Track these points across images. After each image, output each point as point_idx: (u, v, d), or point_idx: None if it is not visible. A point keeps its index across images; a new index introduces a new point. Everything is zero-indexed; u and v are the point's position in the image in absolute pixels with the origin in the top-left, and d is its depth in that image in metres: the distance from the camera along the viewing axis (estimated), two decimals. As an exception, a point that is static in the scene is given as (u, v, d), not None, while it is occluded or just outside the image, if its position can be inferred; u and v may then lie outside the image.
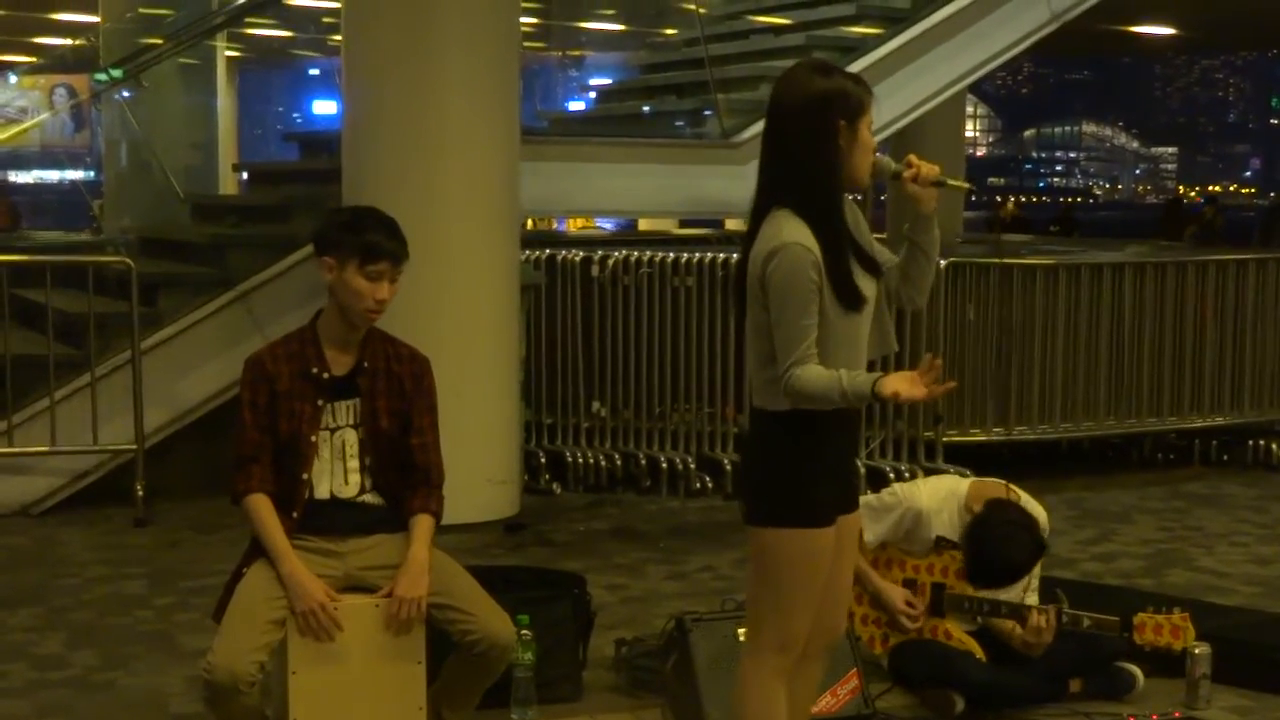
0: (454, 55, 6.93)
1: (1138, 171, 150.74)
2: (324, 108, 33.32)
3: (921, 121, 9.70)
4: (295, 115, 41.97)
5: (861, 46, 9.40)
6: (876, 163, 3.43)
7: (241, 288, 7.81)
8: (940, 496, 4.81)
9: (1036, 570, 4.91)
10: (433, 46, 6.90)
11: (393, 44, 6.95)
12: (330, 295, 4.02)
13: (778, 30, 10.46)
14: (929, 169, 3.42)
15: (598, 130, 10.17)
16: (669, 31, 12.50)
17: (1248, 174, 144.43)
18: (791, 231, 3.31)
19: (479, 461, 6.90)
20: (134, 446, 7.43)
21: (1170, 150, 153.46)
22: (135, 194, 11.06)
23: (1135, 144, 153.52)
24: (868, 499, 4.89)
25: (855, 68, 9.00)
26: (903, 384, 3.25)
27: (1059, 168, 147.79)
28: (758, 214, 3.42)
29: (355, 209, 4.26)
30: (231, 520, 7.10)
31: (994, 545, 4.58)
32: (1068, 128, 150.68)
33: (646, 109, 10.45)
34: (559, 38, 13.39)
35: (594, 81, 13.21)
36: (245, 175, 11.42)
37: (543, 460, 8.03)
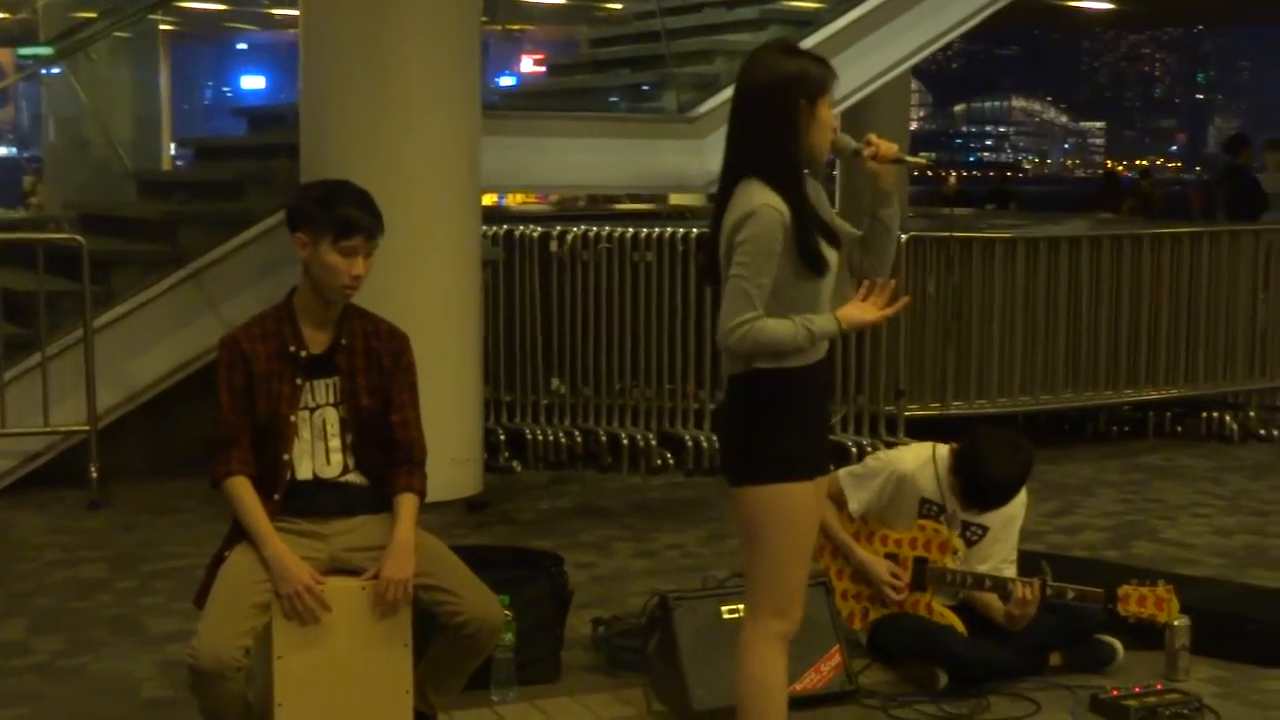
0: (414, 27, 6.82)
1: (1066, 146, 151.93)
2: (255, 83, 33.02)
3: (871, 96, 9.67)
4: (226, 90, 41.48)
5: (816, 20, 9.37)
6: (836, 141, 3.56)
7: (193, 266, 7.69)
8: (922, 460, 4.83)
9: (1015, 540, 4.92)
10: (393, 18, 6.79)
11: (352, 15, 6.83)
12: (304, 272, 3.93)
13: (731, 4, 10.40)
14: (888, 147, 3.56)
15: (549, 105, 10.08)
16: (615, 6, 12.43)
17: (1174, 148, 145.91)
18: (764, 196, 3.44)
19: (441, 440, 6.62)
20: (86, 427, 7.30)
21: (1098, 125, 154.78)
22: (77, 170, 10.85)
23: (1064, 119, 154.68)
24: (850, 468, 4.88)
25: (810, 42, 9.00)
26: (858, 311, 3.52)
27: (989, 142, 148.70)
28: (725, 186, 3.55)
29: (328, 183, 4.13)
30: (188, 502, 7.04)
31: (985, 460, 4.67)
32: (997, 103, 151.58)
33: (600, 83, 10.36)
34: (508, 11, 13.26)
35: (545, 55, 13.09)
36: (188, 151, 11.23)
37: (502, 438, 7.96)
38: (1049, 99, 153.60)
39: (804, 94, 3.44)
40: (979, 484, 4.70)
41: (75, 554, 6.36)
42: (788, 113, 3.45)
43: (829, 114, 3.50)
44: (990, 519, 4.82)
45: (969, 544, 4.82)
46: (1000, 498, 4.76)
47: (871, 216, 3.62)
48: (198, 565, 5.76)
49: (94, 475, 7.20)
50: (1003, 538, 4.86)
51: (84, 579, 6.00)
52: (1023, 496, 4.89)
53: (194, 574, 5.65)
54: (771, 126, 3.46)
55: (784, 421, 3.51)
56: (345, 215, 3.87)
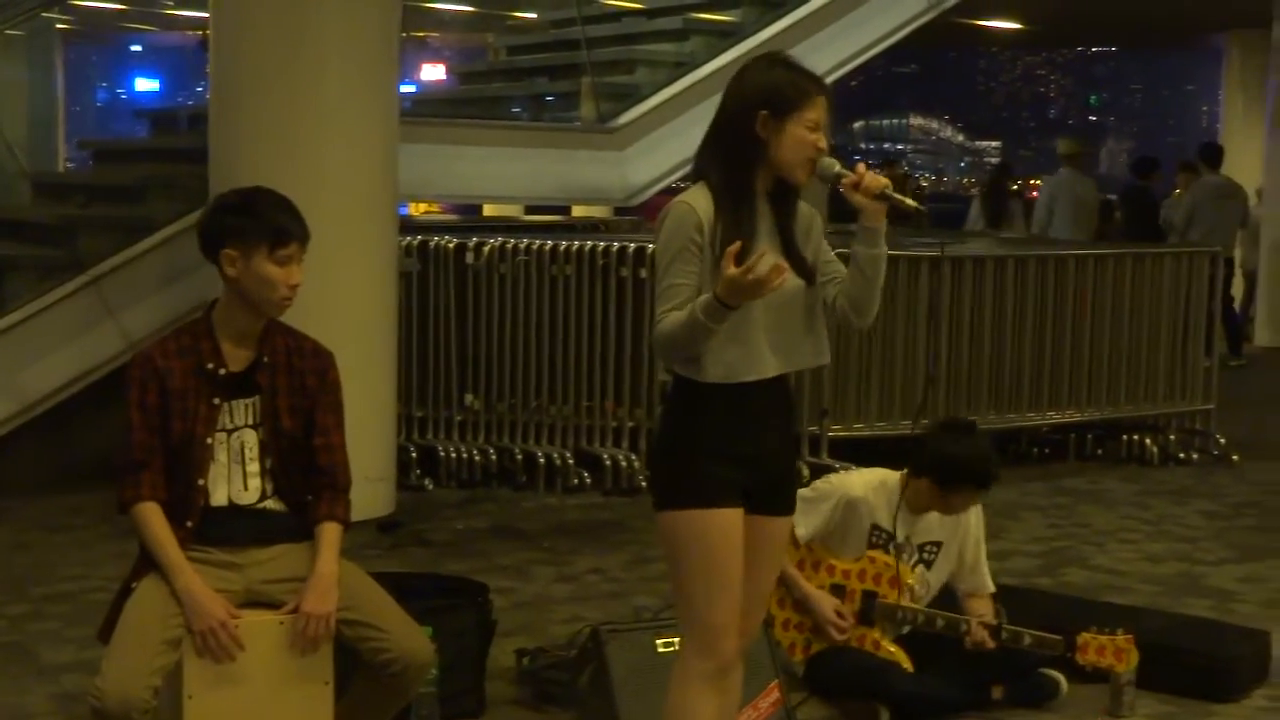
0: (331, 27, 6.57)
1: (962, 164, 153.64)
2: (156, 85, 32.46)
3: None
4: (122, 92, 40.70)
5: (737, 33, 9.22)
6: (819, 163, 3.30)
7: (93, 272, 7.38)
8: (872, 485, 4.67)
9: (975, 550, 4.80)
10: (309, 18, 6.53)
11: (266, 15, 6.56)
12: (230, 289, 3.64)
13: (651, 13, 10.23)
14: (874, 180, 3.30)
15: (466, 113, 9.83)
16: (528, 16, 12.22)
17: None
18: (688, 195, 3.31)
19: (352, 457, 6.50)
20: (-25, 441, 6.97)
21: (994, 144, 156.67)
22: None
23: (960, 137, 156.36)
24: (800, 492, 4.69)
25: (731, 54, 8.86)
26: (731, 282, 3.08)
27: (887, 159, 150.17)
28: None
29: (242, 192, 3.84)
30: (84, 519, 6.72)
31: (955, 446, 4.57)
32: (895, 120, 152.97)
33: (518, 92, 10.14)
34: (420, 18, 12.98)
35: (461, 63, 12.84)
36: (84, 153, 10.85)
37: (414, 455, 7.68)
38: (946, 118, 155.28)
39: (766, 106, 3.27)
40: (955, 464, 4.54)
41: (-38, 575, 6.03)
42: (743, 123, 3.29)
43: (803, 131, 3.27)
44: (938, 532, 4.67)
45: (929, 566, 4.67)
46: (981, 472, 4.60)
47: (851, 254, 3.35)
48: (95, 588, 5.54)
49: (-17, 491, 6.87)
50: (957, 545, 4.70)
51: (-29, 603, 5.68)
52: (976, 507, 4.75)
53: (91, 597, 5.41)
54: (725, 136, 3.33)
55: (692, 440, 3.31)
56: (278, 223, 3.62)
